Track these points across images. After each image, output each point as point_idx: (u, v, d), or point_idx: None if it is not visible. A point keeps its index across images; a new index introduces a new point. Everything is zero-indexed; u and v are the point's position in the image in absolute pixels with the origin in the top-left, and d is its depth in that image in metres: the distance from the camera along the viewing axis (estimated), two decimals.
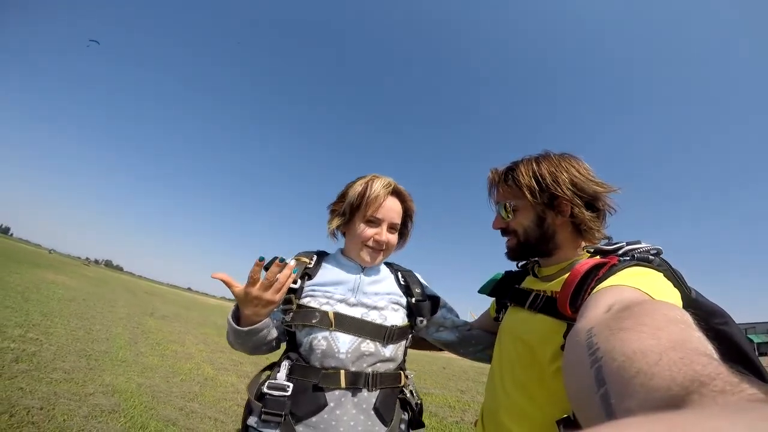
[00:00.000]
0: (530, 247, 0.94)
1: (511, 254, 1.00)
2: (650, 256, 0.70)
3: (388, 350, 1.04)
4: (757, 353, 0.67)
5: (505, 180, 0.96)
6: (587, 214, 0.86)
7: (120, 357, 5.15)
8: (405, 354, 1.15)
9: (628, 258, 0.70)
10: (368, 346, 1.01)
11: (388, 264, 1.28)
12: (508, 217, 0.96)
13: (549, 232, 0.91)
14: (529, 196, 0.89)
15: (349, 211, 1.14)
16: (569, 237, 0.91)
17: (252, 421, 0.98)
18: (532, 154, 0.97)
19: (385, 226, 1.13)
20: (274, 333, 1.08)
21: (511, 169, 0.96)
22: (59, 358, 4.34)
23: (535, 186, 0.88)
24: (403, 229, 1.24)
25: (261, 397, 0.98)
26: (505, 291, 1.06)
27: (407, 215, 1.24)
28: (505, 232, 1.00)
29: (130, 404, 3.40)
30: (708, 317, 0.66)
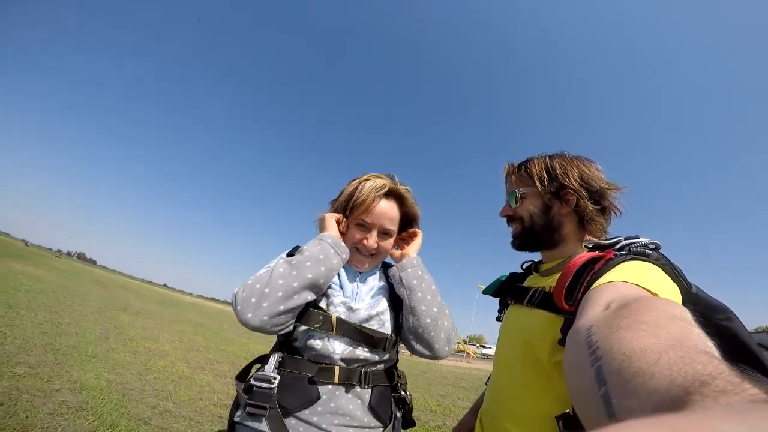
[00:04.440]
0: (534, 235, 0.97)
1: (516, 241, 1.02)
2: (648, 251, 0.70)
3: (384, 356, 1.03)
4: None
5: (518, 170, 1.03)
6: (591, 206, 0.90)
7: (89, 352, 4.92)
8: (398, 353, 1.12)
9: (624, 252, 0.70)
10: (363, 352, 0.99)
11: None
12: (515, 203, 1.00)
13: (554, 221, 0.94)
14: (538, 184, 0.94)
15: (341, 211, 1.10)
16: (574, 230, 0.94)
17: (238, 415, 0.95)
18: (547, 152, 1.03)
19: (374, 232, 1.08)
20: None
21: (526, 162, 1.03)
22: (24, 351, 4.11)
23: (545, 175, 0.94)
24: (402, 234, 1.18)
25: (249, 389, 0.95)
26: (508, 292, 1.06)
27: (409, 220, 1.18)
28: (511, 219, 1.03)
29: (99, 401, 3.24)
30: (709, 313, 0.65)
